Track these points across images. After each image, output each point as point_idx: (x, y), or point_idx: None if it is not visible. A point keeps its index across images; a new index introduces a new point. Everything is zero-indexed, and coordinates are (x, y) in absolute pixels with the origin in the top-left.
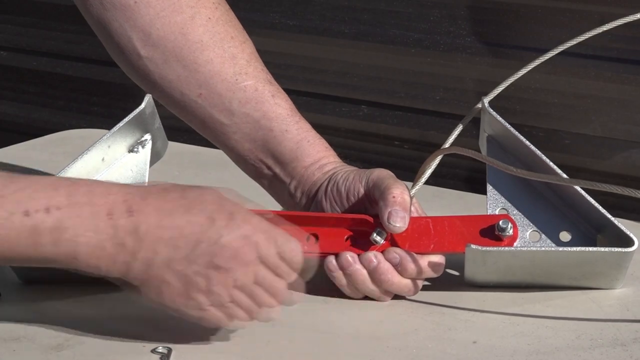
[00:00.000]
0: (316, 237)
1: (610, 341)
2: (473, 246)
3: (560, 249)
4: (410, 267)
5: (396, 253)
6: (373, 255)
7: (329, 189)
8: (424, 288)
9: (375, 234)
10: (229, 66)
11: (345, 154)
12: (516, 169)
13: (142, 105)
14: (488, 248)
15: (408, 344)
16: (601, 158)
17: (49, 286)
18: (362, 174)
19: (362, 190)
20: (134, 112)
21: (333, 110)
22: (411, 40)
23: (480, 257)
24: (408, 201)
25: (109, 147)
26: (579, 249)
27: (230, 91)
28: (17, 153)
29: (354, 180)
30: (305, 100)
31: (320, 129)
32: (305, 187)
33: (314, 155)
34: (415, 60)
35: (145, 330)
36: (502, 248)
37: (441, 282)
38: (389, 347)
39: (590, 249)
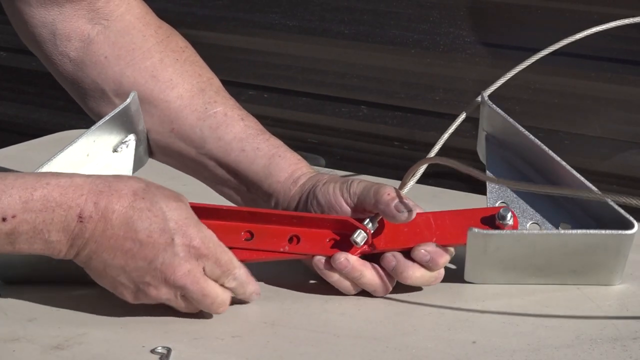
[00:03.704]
0: (298, 238)
1: (610, 341)
2: (475, 230)
3: (562, 232)
4: (442, 260)
5: (426, 250)
6: (392, 255)
7: (309, 203)
8: (424, 288)
9: (355, 235)
10: (198, 98)
11: (345, 155)
12: (499, 178)
13: (128, 101)
14: (490, 231)
15: (408, 344)
16: (601, 158)
17: (47, 286)
18: (342, 187)
19: (344, 205)
20: (120, 107)
21: (332, 111)
22: (411, 41)
23: (482, 242)
24: (401, 194)
25: (94, 141)
26: (580, 231)
27: (200, 120)
28: (16, 153)
29: (334, 193)
30: (305, 100)
31: (320, 129)
32: (285, 203)
33: (287, 168)
34: (415, 60)
35: (144, 331)
36: (504, 231)
37: (441, 282)
38: (388, 347)
39: (592, 231)
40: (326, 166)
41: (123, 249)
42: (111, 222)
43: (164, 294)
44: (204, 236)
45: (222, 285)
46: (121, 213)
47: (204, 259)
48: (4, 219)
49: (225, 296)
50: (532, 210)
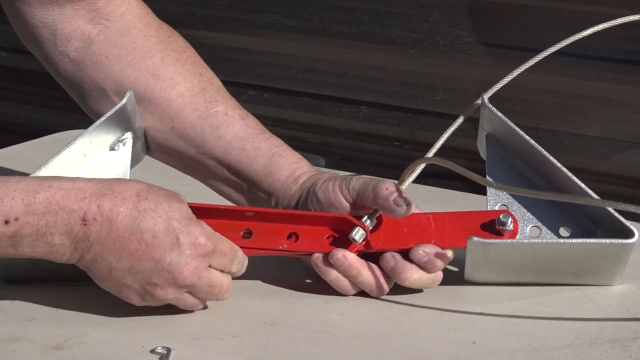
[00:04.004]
0: (296, 236)
1: (610, 341)
2: (475, 238)
3: (562, 240)
4: (440, 262)
5: (424, 251)
6: (391, 255)
7: (309, 201)
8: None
9: (353, 233)
10: (199, 97)
11: (345, 155)
12: (497, 183)
13: (124, 101)
14: (490, 240)
15: (408, 344)
16: (601, 159)
17: (47, 286)
18: (342, 184)
19: (344, 202)
20: (116, 107)
21: (332, 111)
22: (411, 41)
23: (482, 250)
24: (400, 189)
25: (90, 142)
26: (579, 240)
27: (201, 118)
28: (16, 153)
29: (333, 191)
30: (305, 101)
31: (320, 129)
32: (285, 201)
33: (287, 167)
34: (415, 61)
35: (144, 331)
36: (504, 240)
37: (441, 283)
38: (388, 347)
39: (591, 240)
40: (326, 166)
41: (129, 250)
42: (116, 225)
43: (170, 294)
44: (206, 232)
45: (227, 272)
46: (126, 215)
47: (209, 255)
48: (6, 222)
49: (228, 281)
50: (532, 213)
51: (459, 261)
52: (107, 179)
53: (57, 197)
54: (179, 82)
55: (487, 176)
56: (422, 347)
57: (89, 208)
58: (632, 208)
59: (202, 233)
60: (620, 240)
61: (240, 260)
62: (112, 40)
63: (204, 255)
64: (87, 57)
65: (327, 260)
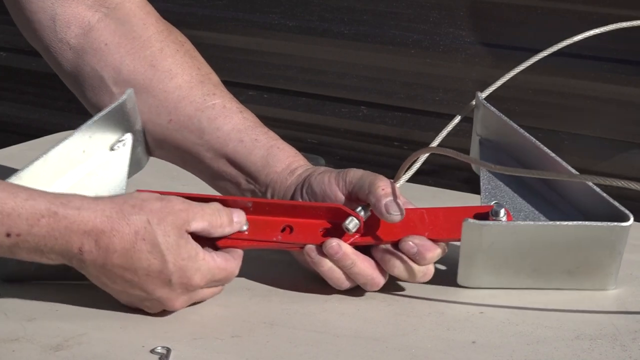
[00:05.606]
0: (291, 228)
1: (609, 341)
2: (470, 220)
3: (557, 223)
4: (429, 254)
5: (413, 243)
6: (382, 246)
7: (304, 191)
8: (423, 288)
9: (347, 222)
10: (197, 89)
11: (345, 155)
12: (494, 165)
13: (124, 97)
14: (485, 222)
15: (408, 344)
16: (600, 159)
17: (47, 286)
18: (338, 176)
19: (339, 193)
20: (115, 103)
21: (333, 111)
22: (410, 41)
23: (477, 234)
24: (396, 191)
25: (90, 137)
26: (576, 223)
27: (199, 110)
28: (16, 154)
29: (329, 182)
30: (305, 101)
31: (320, 129)
32: (281, 193)
33: (284, 160)
34: (415, 61)
35: (144, 331)
36: (500, 222)
37: (440, 282)
38: (388, 347)
39: (587, 223)
40: (326, 166)
41: (123, 278)
42: (111, 260)
43: (164, 312)
44: (199, 270)
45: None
46: (122, 254)
47: (202, 287)
48: (8, 235)
49: (220, 288)
50: (526, 210)
51: (455, 262)
52: (112, 206)
53: (59, 226)
54: (177, 74)
55: (481, 182)
56: (422, 347)
57: (88, 243)
58: (614, 182)
59: (196, 275)
60: (615, 223)
61: (235, 272)
62: (111, 28)
63: (195, 289)
64: (86, 44)
65: (321, 250)
